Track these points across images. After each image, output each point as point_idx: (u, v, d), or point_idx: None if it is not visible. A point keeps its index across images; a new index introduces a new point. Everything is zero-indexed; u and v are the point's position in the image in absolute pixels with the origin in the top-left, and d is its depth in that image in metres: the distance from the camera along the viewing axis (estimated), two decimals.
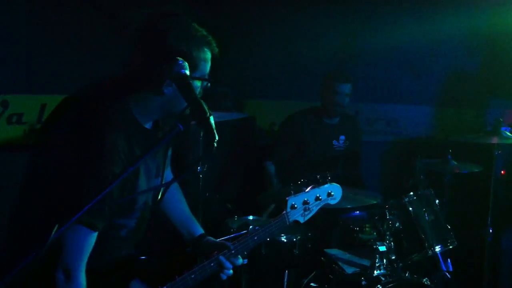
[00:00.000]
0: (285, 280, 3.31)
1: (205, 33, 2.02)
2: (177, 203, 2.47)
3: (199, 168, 3.57)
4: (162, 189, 2.10)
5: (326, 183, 2.59)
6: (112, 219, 1.99)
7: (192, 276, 2.17)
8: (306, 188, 2.54)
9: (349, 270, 3.33)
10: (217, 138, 1.81)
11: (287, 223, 2.42)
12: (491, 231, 3.95)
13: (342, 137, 4.45)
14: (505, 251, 4.37)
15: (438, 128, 5.22)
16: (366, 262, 3.33)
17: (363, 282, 3.14)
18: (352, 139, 4.50)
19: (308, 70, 4.85)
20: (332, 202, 2.58)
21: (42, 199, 1.95)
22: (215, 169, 3.92)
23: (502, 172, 4.20)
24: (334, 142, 4.43)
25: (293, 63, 4.95)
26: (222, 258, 2.24)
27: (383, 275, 3.17)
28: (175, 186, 2.52)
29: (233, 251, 2.27)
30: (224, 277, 2.27)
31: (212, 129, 1.77)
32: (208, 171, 3.63)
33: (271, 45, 4.91)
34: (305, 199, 2.45)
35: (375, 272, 3.18)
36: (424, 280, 3.29)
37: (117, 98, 2.01)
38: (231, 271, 2.27)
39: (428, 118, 5.25)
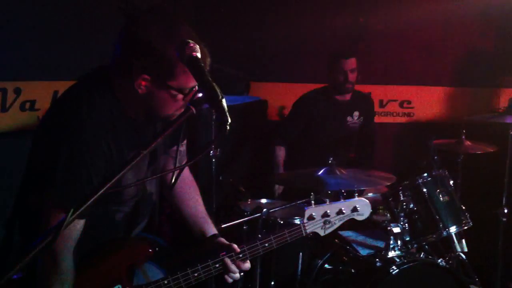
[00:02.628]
0: (300, 261, 3.31)
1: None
2: (192, 201, 2.42)
3: (211, 152, 3.58)
4: (175, 172, 2.11)
5: (353, 197, 2.42)
6: (102, 206, 1.97)
7: (195, 274, 2.13)
8: (328, 199, 2.40)
9: (363, 251, 3.34)
10: (229, 121, 1.81)
11: (303, 234, 2.31)
12: (506, 211, 3.93)
13: (356, 113, 4.45)
14: None
15: (451, 108, 5.17)
16: (380, 244, 3.33)
17: (378, 264, 3.14)
18: (366, 115, 4.50)
19: (319, 52, 4.81)
20: (358, 218, 2.42)
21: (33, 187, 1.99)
22: (228, 153, 3.93)
23: None
24: (348, 118, 4.43)
25: (304, 45, 4.91)
26: (227, 260, 2.18)
27: (397, 256, 3.16)
28: (191, 185, 2.47)
29: (240, 255, 2.21)
30: (230, 280, 2.21)
31: (225, 112, 1.77)
32: (221, 155, 3.64)
33: (282, 27, 4.88)
34: (326, 211, 2.31)
35: (390, 254, 3.17)
36: (439, 261, 3.29)
37: (103, 88, 2.00)
38: (237, 275, 2.20)
39: (442, 99, 5.20)
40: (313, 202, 2.36)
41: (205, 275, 2.15)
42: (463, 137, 3.98)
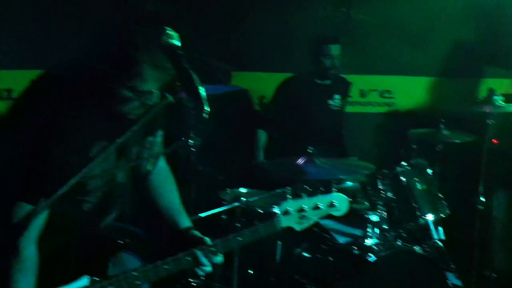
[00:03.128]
0: (278, 250, 3.32)
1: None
2: (167, 192, 2.39)
3: (191, 141, 3.55)
4: (150, 162, 2.09)
5: (331, 192, 2.39)
6: (66, 196, 1.94)
7: (166, 266, 2.09)
8: (305, 194, 2.34)
9: (341, 239, 3.36)
10: (207, 109, 1.80)
11: (277, 229, 2.27)
12: (482, 199, 3.98)
13: (337, 96, 4.47)
14: (496, 218, 4.41)
15: (431, 98, 5.21)
16: (358, 232, 3.36)
17: (355, 251, 3.17)
18: (345, 98, 4.53)
19: (300, 42, 4.80)
20: (335, 213, 2.37)
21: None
22: (208, 142, 3.90)
23: (494, 141, 4.20)
24: (330, 101, 4.45)
25: (285, 34, 4.90)
26: (198, 252, 2.14)
27: (375, 244, 3.19)
28: (167, 176, 2.45)
29: (212, 248, 2.17)
30: (201, 272, 2.18)
31: (202, 100, 1.76)
32: (201, 144, 3.62)
33: (262, 16, 4.86)
34: (301, 206, 2.27)
35: (367, 242, 3.20)
36: (416, 248, 3.33)
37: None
38: (209, 268, 2.17)
39: (421, 89, 5.23)
40: (289, 196, 2.32)
41: (175, 268, 2.12)
42: (442, 126, 4.02)
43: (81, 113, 2.01)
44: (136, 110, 2.01)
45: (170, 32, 1.87)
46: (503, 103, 3.92)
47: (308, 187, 3.23)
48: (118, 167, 2.15)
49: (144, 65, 1.92)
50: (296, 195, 2.32)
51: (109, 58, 1.97)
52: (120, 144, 1.94)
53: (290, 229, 2.31)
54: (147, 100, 1.97)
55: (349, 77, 4.93)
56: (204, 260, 2.14)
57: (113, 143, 1.86)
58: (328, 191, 2.39)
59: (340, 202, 2.34)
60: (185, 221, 2.33)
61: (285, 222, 2.27)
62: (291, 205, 2.27)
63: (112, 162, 2.14)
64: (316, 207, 2.30)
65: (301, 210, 2.27)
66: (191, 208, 3.37)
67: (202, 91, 1.81)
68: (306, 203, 2.28)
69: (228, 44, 4.73)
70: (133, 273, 2.07)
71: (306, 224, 2.30)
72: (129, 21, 2.02)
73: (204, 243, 2.19)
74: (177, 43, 1.85)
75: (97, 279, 2.04)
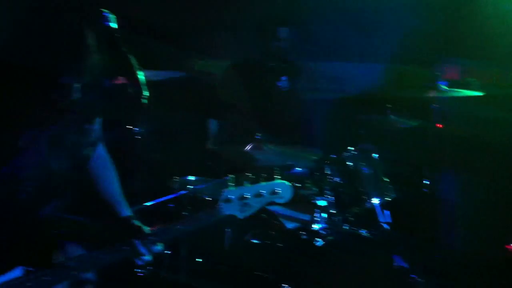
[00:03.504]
0: (227, 237, 3.31)
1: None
2: (106, 181, 2.33)
3: (137, 128, 3.49)
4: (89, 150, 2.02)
5: (273, 179, 2.31)
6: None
7: (103, 256, 2.05)
8: (248, 182, 2.29)
9: (290, 225, 3.37)
10: (146, 94, 1.75)
11: (218, 217, 2.23)
12: (428, 182, 4.06)
13: (284, 78, 4.45)
14: (441, 201, 4.52)
15: (379, 84, 5.27)
16: (306, 217, 3.37)
17: (304, 236, 3.18)
18: (294, 83, 4.52)
19: (251, 28, 4.76)
20: (278, 201, 2.32)
21: None
22: (155, 129, 3.83)
23: (439, 125, 4.29)
24: (278, 84, 4.43)
25: (235, 20, 4.85)
26: (136, 242, 2.10)
27: (323, 228, 3.21)
28: (107, 165, 2.36)
29: (151, 237, 2.13)
30: (140, 262, 2.14)
31: (141, 85, 1.71)
32: (147, 132, 3.55)
33: (213, 1, 4.79)
34: (243, 194, 2.23)
35: (315, 226, 3.22)
36: (363, 231, 3.37)
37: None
38: (148, 257, 2.13)
39: (370, 75, 5.28)
40: (231, 184, 2.28)
41: (113, 258, 2.08)
42: (389, 111, 4.06)
43: (9, 100, 1.91)
44: (70, 97, 1.93)
45: (107, 14, 1.79)
46: (447, 88, 4.00)
47: (250, 175, 3.21)
48: (51, 156, 2.07)
49: (79, 49, 1.85)
50: (238, 183, 2.29)
51: (42, 43, 1.88)
52: (53, 132, 1.86)
53: (232, 217, 2.29)
54: (83, 87, 1.90)
55: (300, 63, 4.95)
56: (142, 249, 2.10)
57: (45, 131, 1.77)
58: (271, 178, 2.37)
59: (283, 189, 2.32)
60: (125, 210, 2.28)
61: (227, 210, 2.25)
62: (232, 192, 2.24)
63: (45, 151, 2.05)
64: (259, 195, 2.27)
65: (243, 197, 2.25)
66: (137, 197, 3.31)
67: (141, 76, 1.76)
68: (248, 190, 2.26)
69: (179, 31, 4.66)
70: (70, 263, 2.02)
71: (248, 212, 2.28)
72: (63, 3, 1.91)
73: (143, 232, 2.15)
74: (114, 25, 1.78)
75: (32, 270, 1.98)
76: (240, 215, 2.27)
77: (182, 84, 4.54)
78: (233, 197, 2.23)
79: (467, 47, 4.89)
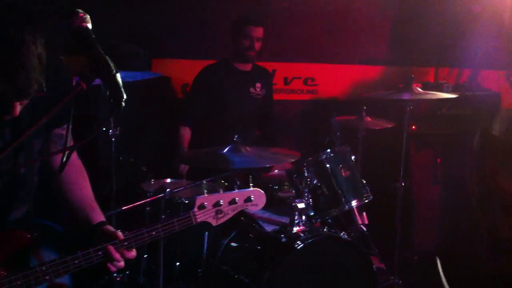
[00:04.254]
0: (205, 241, 3.27)
1: None
2: (78, 187, 2.27)
3: (110, 131, 3.41)
4: (64, 156, 1.94)
5: (248, 186, 2.40)
6: None
7: (76, 261, 2.01)
8: (221, 189, 2.35)
9: (269, 228, 3.35)
10: (124, 97, 1.71)
11: (193, 223, 2.24)
12: (402, 184, 4.09)
13: (258, 84, 4.44)
14: (415, 202, 4.57)
15: (353, 85, 5.31)
16: (285, 220, 3.36)
17: (283, 239, 3.16)
18: (267, 88, 4.51)
19: (223, 28, 4.73)
20: (253, 208, 2.38)
21: None
22: (129, 131, 3.77)
23: (413, 127, 4.34)
24: (251, 89, 4.41)
25: (208, 21, 4.81)
26: (110, 247, 2.06)
27: (302, 231, 3.20)
28: (77, 170, 2.30)
29: (125, 243, 2.09)
30: (113, 268, 2.10)
31: (119, 87, 1.67)
32: (121, 134, 3.49)
33: (184, 2, 4.75)
34: (218, 200, 2.25)
35: (294, 229, 3.20)
36: (341, 234, 3.37)
37: None
38: (121, 263, 2.10)
39: (344, 76, 5.32)
40: (205, 191, 2.31)
41: (86, 263, 2.03)
42: (364, 113, 4.09)
43: None
44: (39, 100, 1.85)
45: (82, 14, 1.74)
46: (421, 90, 4.04)
47: (224, 181, 3.18)
48: (17, 162, 2.00)
49: (53, 51, 1.79)
50: (213, 189, 2.29)
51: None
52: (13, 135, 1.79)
53: (206, 224, 2.28)
54: (54, 89, 1.83)
55: (273, 65, 4.95)
56: (116, 255, 2.07)
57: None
58: (246, 185, 2.38)
59: (256, 197, 2.35)
60: (98, 216, 2.23)
61: (201, 217, 2.23)
62: (207, 199, 2.24)
63: (9, 158, 1.98)
64: (233, 202, 2.30)
65: (217, 204, 2.26)
66: (112, 201, 3.25)
67: (118, 78, 1.71)
68: (222, 197, 2.27)
69: (148, 31, 4.60)
70: (42, 268, 1.97)
71: (222, 219, 2.30)
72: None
73: (116, 237, 2.10)
74: (89, 26, 1.73)
75: (4, 274, 1.93)
76: (214, 222, 2.27)
77: (157, 85, 4.48)
78: (207, 203, 2.23)
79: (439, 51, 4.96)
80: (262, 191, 2.40)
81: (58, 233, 2.38)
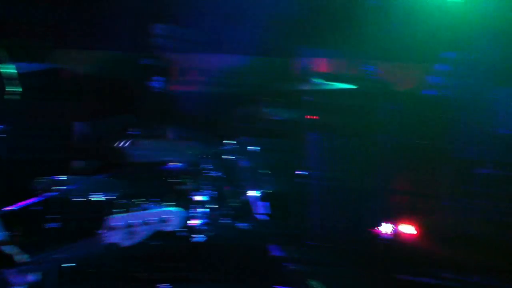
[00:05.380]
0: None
1: None
2: None
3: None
4: None
5: (161, 206, 2.37)
6: None
7: None
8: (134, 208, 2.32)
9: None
10: (17, 89, 1.58)
11: (101, 246, 2.08)
12: (306, 173, 4.15)
13: (157, 72, 4.34)
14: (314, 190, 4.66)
15: (253, 76, 5.31)
16: (187, 214, 3.30)
17: (185, 234, 3.12)
18: (167, 74, 4.44)
19: (126, 20, 4.56)
20: (167, 229, 2.33)
21: None
22: (17, 129, 3.51)
23: (311, 117, 4.41)
24: (152, 81, 4.31)
25: (106, 11, 4.61)
26: (7, 271, 1.91)
27: (204, 224, 3.17)
28: None
29: (25, 266, 1.94)
30: None
31: (3, 80, 1.54)
32: (8, 131, 3.24)
33: None
34: (129, 221, 2.09)
35: (197, 222, 3.17)
36: (243, 224, 3.39)
37: None
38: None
39: (241, 67, 5.31)
40: (116, 211, 2.20)
41: None
42: (263, 104, 4.11)
43: None
44: None
45: None
46: (319, 81, 4.14)
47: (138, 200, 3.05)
48: None
49: None
50: (125, 209, 2.17)
51: None
52: None
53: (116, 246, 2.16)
54: None
55: (174, 56, 4.85)
56: (15, 279, 1.89)
57: None
58: (160, 205, 2.27)
59: (172, 216, 2.26)
60: None
61: (110, 238, 2.12)
62: (118, 220, 2.12)
63: None
64: (147, 223, 2.19)
65: (130, 226, 2.14)
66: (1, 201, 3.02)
67: (7, 69, 1.58)
68: (135, 218, 2.17)
69: (42, 21, 4.33)
70: None
71: (135, 240, 2.18)
72: None
73: (16, 260, 1.94)
74: None
75: None
76: (125, 243, 2.15)
77: (47, 77, 4.22)
78: (118, 224, 2.11)
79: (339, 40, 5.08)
80: (179, 210, 2.31)
81: None
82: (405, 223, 4.24)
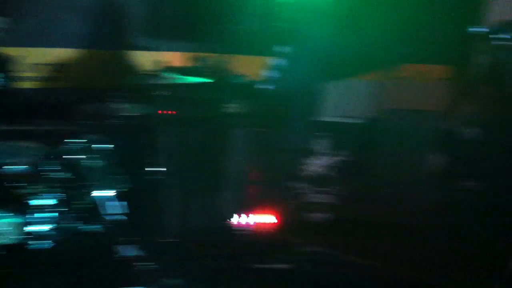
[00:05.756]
0: None
1: None
2: None
3: None
4: None
5: None
6: None
7: None
8: None
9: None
10: None
11: None
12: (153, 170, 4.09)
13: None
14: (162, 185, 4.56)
15: (105, 71, 5.14)
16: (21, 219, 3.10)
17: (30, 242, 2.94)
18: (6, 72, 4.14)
19: None
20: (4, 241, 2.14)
21: None
22: None
23: (163, 111, 4.36)
24: None
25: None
26: None
27: (52, 229, 3.02)
28: None
29: None
30: None
31: None
32: None
33: None
34: None
35: (42, 228, 3.01)
36: (91, 226, 3.27)
37: None
38: None
39: (95, 62, 5.10)
40: None
41: None
42: (112, 99, 3.98)
43: None
44: None
45: None
46: (169, 76, 4.10)
47: None
48: None
49: None
50: None
51: None
52: None
53: None
54: None
55: (19, 50, 4.55)
56: None
57: None
58: None
59: (6, 227, 2.10)
60: None
61: None
62: None
63: None
64: None
65: None
66: None
67: None
68: None
69: None
70: None
71: None
72: None
73: None
74: None
75: None
76: None
77: None
78: None
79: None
80: (10, 221, 2.14)
81: None
82: (264, 213, 4.34)
